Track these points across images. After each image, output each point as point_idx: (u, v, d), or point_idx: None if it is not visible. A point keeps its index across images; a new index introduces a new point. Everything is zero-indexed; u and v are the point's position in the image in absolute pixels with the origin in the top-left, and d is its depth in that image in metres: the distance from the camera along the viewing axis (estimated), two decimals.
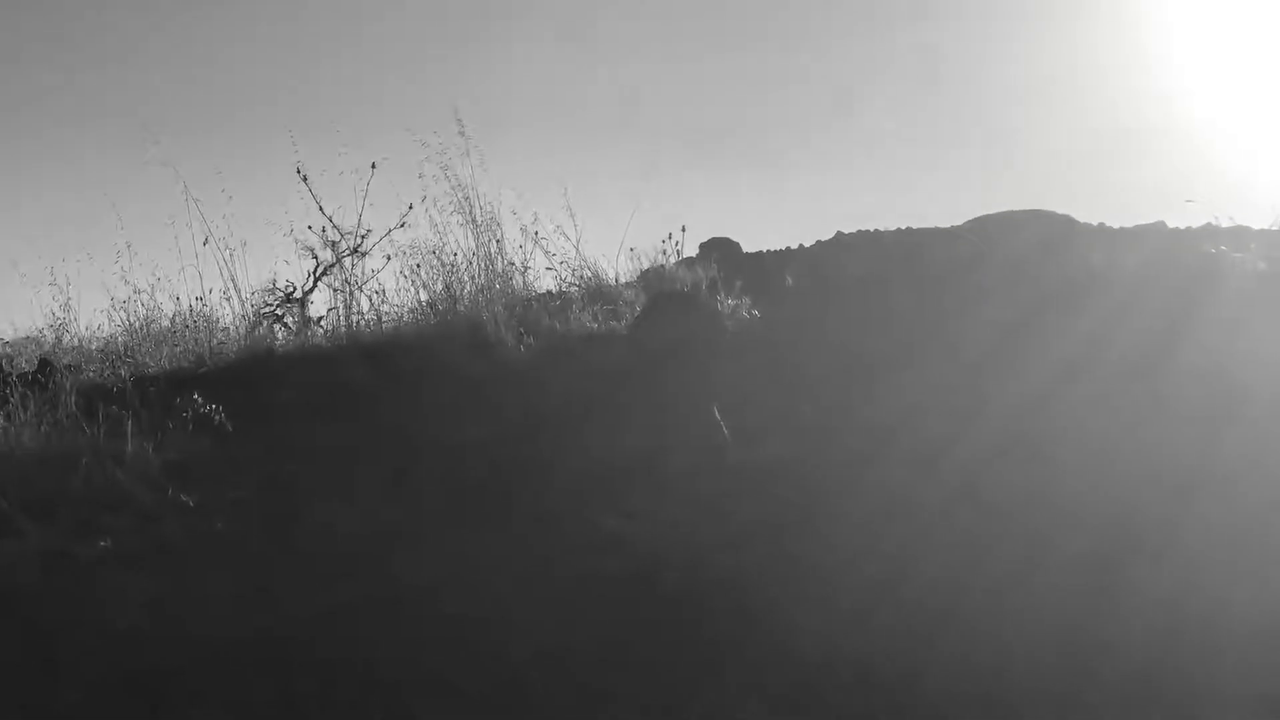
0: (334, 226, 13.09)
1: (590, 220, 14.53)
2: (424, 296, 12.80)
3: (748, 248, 15.51)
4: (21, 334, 13.84)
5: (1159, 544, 7.36)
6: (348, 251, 13.09)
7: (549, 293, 13.13)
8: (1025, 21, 37.49)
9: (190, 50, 38.27)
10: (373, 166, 13.05)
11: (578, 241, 13.31)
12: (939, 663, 6.52)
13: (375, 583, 7.78)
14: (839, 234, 13.66)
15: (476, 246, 12.79)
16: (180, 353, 12.10)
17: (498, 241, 12.88)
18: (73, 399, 10.00)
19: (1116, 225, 12.96)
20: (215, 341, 12.35)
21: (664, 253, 13.69)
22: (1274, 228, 10.44)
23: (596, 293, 12.75)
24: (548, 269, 13.35)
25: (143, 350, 12.18)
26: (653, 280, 13.04)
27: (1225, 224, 11.59)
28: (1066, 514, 7.76)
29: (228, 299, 13.02)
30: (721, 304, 11.49)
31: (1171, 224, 12.82)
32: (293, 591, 7.69)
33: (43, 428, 9.64)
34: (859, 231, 13.62)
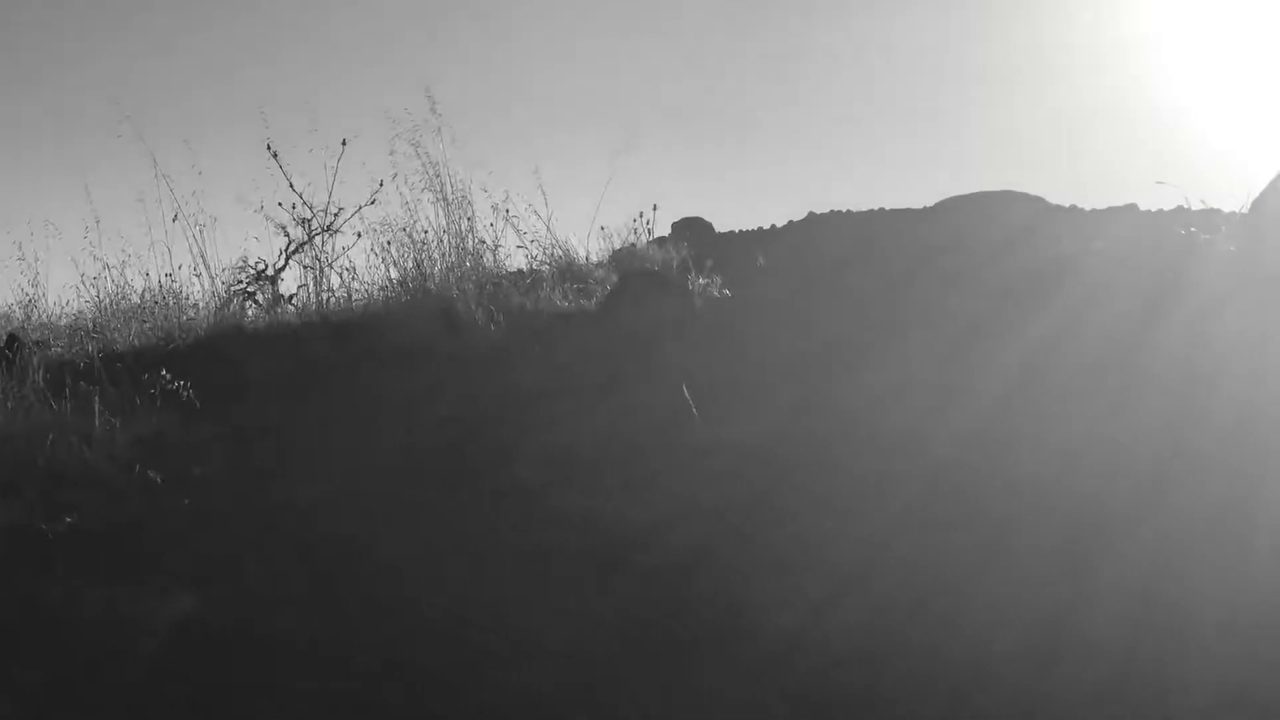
0: (305, 204, 13.12)
1: (562, 199, 14.57)
2: (394, 274, 12.86)
3: (720, 227, 15.58)
4: None
5: (1131, 533, 7.40)
6: (319, 229, 13.10)
7: (520, 271, 13.17)
8: (997, 5, 37.58)
9: (161, 25, 38.16)
10: (343, 143, 13.08)
11: (549, 220, 13.36)
12: (908, 651, 6.56)
13: (338, 560, 7.83)
14: (811, 214, 13.73)
15: (447, 224, 12.83)
16: (149, 329, 12.09)
17: (469, 219, 12.92)
18: (40, 375, 10.01)
19: (1088, 207, 13.04)
20: (184, 318, 12.35)
21: (635, 232, 13.77)
22: (1244, 210, 10.47)
23: (567, 271, 12.81)
24: (519, 247, 13.42)
25: (111, 327, 12.18)
26: (624, 259, 13.10)
27: (1197, 206, 11.63)
28: (1039, 503, 7.80)
29: (197, 276, 13.05)
30: (692, 284, 11.55)
31: (1143, 206, 12.90)
32: (258, 571, 7.72)
33: (9, 404, 9.64)
34: (832, 212, 13.70)
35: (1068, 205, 12.73)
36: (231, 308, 12.77)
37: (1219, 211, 11.56)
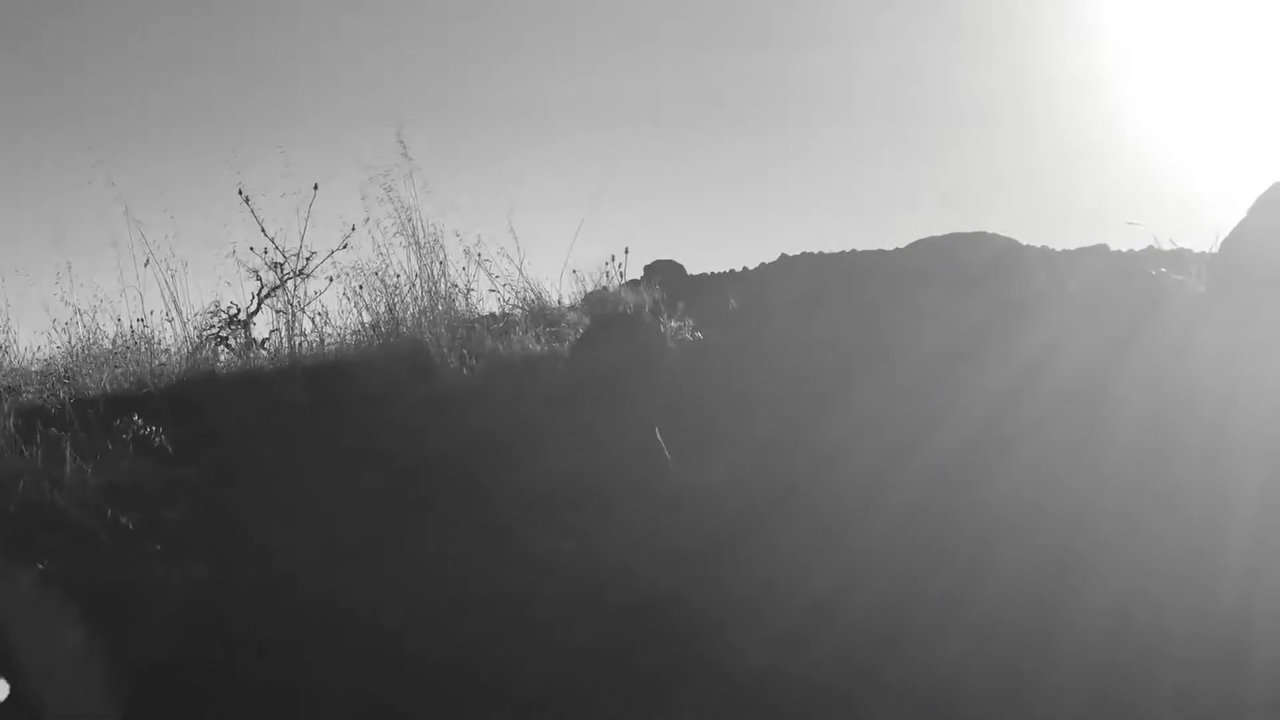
0: (277, 248, 13.15)
1: (534, 241, 14.64)
2: (367, 318, 12.89)
3: (692, 270, 15.66)
4: None
5: (1105, 558, 7.50)
6: (291, 273, 13.16)
7: (492, 315, 13.22)
8: (966, 43, 37.76)
9: (133, 69, 38.21)
10: (315, 188, 13.11)
11: (521, 263, 13.43)
12: (883, 683, 6.65)
13: (313, 606, 7.89)
14: (782, 256, 13.85)
15: (419, 268, 12.89)
16: (121, 374, 12.11)
17: (441, 263, 12.98)
18: (11, 421, 10.06)
19: (1059, 248, 13.18)
20: (156, 363, 12.37)
21: (607, 275, 13.82)
22: (1214, 250, 10.58)
23: (539, 315, 12.88)
24: (491, 291, 13.45)
25: (83, 372, 12.19)
26: (596, 302, 13.17)
27: (1167, 247, 11.73)
28: (1012, 534, 7.90)
29: (169, 320, 13.04)
30: (664, 326, 11.62)
31: (1114, 247, 13.04)
32: (231, 614, 7.78)
33: None
34: (802, 254, 13.81)
35: (1039, 245, 12.87)
36: (204, 352, 12.80)
37: (1189, 252, 11.67)
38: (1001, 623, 7.19)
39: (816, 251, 13.73)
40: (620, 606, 7.73)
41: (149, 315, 12.98)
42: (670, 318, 11.81)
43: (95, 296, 13.07)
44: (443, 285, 12.91)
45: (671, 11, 40.52)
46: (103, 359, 12.49)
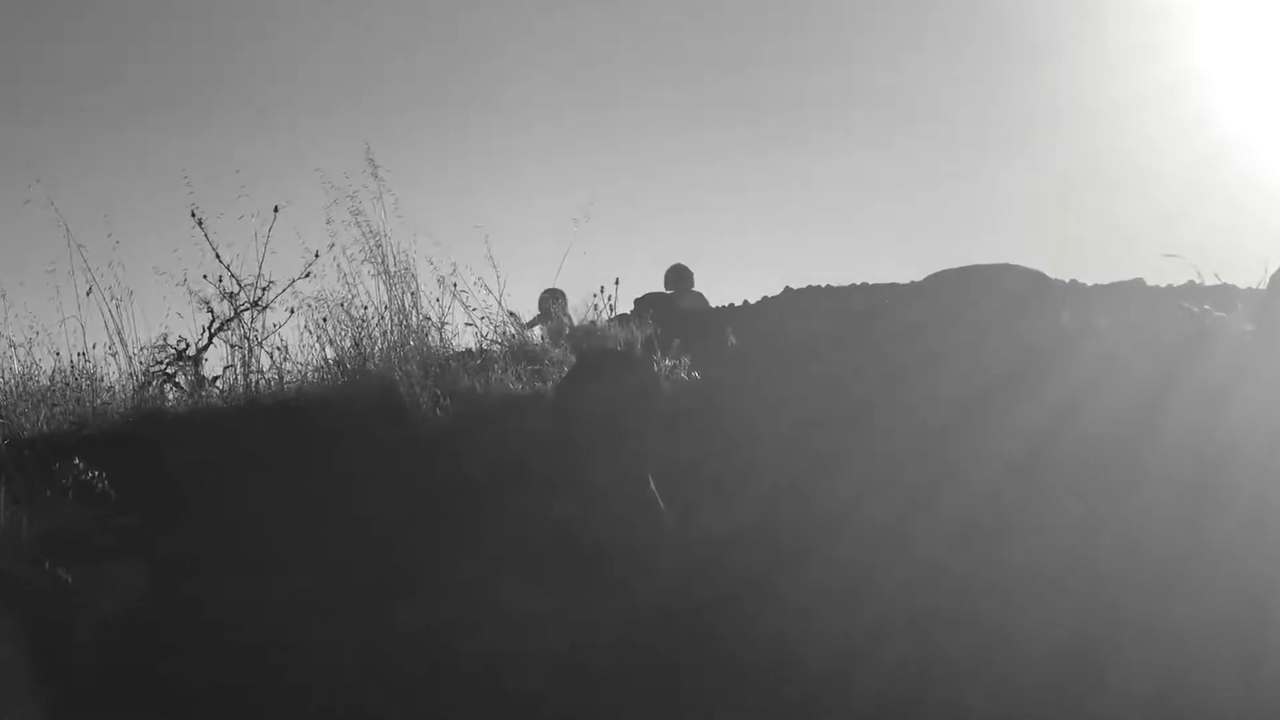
0: (232, 276, 13.11)
1: (515, 271, 14.62)
2: (330, 354, 12.83)
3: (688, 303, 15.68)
4: None
5: (1139, 635, 7.48)
6: (247, 304, 13.12)
7: (468, 351, 13.14)
8: (988, 62, 37.95)
9: (76, 79, 38.26)
10: (275, 210, 13.05)
11: (500, 295, 13.41)
12: None
13: (269, 670, 7.88)
14: (786, 289, 13.86)
15: (389, 299, 12.84)
16: (60, 413, 12.08)
17: (412, 294, 12.94)
18: None
19: (1090, 283, 13.19)
20: (99, 402, 12.33)
21: (595, 308, 13.79)
22: (1263, 286, 10.56)
23: (521, 351, 12.83)
24: (467, 324, 13.37)
25: (18, 410, 12.16)
26: (582, 338, 13.15)
27: (1210, 282, 11.72)
28: (1037, 601, 7.88)
29: (113, 355, 12.98)
30: (658, 365, 11.60)
31: (1151, 281, 13.05)
32: (184, 673, 7.77)
33: None
34: (808, 287, 13.81)
35: (1068, 280, 12.89)
36: (150, 390, 12.77)
37: (1234, 288, 11.68)
38: (1026, 695, 7.18)
39: (824, 284, 13.75)
40: (603, 673, 7.71)
41: (91, 349, 12.93)
42: (664, 355, 11.78)
43: (31, 328, 13.02)
44: (414, 318, 12.88)
45: (666, 26, 40.66)
46: (40, 396, 12.44)
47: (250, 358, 12.99)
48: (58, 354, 12.92)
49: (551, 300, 15.14)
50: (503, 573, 8.97)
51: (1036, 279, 11.59)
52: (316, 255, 13.10)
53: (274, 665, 8.02)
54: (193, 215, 13.04)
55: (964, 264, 11.88)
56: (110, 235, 13.06)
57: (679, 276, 16.93)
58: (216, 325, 13.15)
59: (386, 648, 8.15)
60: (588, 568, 8.98)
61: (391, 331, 12.71)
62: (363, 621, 8.50)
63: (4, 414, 12.09)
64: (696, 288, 16.78)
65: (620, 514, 9.49)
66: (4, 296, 12.96)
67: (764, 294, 14.35)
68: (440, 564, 9.21)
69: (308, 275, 13.14)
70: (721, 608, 8.36)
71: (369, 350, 12.54)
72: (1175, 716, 6.86)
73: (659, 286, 16.64)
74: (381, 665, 7.96)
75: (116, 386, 12.78)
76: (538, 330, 14.43)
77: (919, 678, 7.44)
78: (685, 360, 11.75)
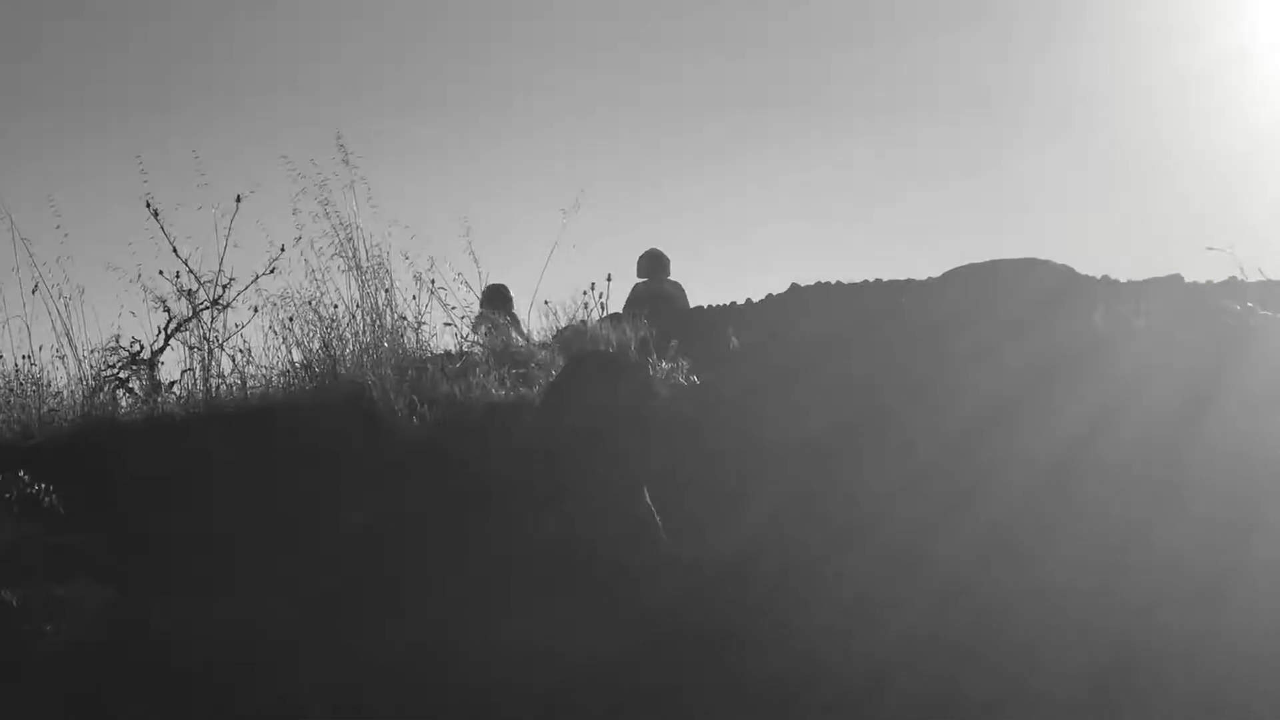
0: (190, 272, 12.92)
1: (498, 266, 14.48)
2: (297, 356, 12.71)
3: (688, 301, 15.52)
4: None
5: (1177, 657, 7.36)
6: (206, 303, 12.92)
7: (448, 353, 12.99)
8: (1010, 40, 37.86)
9: (19, 55, 38.10)
10: (238, 200, 12.88)
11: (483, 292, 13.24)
12: None
13: (231, 700, 7.72)
14: (793, 286, 13.65)
15: (361, 297, 12.71)
16: (4, 422, 11.91)
17: (386, 291, 12.81)
18: None
19: (1124, 279, 12.99)
20: (46, 409, 12.17)
21: (585, 307, 13.64)
22: None
23: (504, 354, 12.66)
24: (446, 324, 13.30)
25: None
26: (571, 339, 12.97)
27: (1254, 278, 11.64)
28: (1070, 621, 7.76)
29: (61, 358, 12.83)
30: (653, 368, 11.42)
31: (1189, 277, 12.87)
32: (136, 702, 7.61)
33: None
34: (817, 284, 13.62)
35: (1099, 276, 12.68)
36: (102, 396, 12.57)
37: (1279, 284, 11.56)
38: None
39: (833, 281, 13.55)
40: (599, 706, 7.55)
41: (37, 351, 12.80)
42: (660, 358, 11.61)
43: None
44: (389, 317, 12.76)
45: (661, 6, 40.61)
46: None
47: (210, 361, 12.83)
48: (1, 357, 12.76)
49: (497, 301, 14.92)
50: (487, 595, 8.78)
51: (1065, 275, 11.45)
52: (283, 249, 13.02)
53: (236, 693, 7.83)
54: (148, 206, 12.85)
55: (987, 259, 11.72)
56: (59, 228, 12.88)
57: (654, 263, 16.69)
58: (173, 325, 12.98)
59: (353, 677, 7.96)
60: (583, 588, 8.79)
61: (364, 332, 12.60)
62: (330, 645, 8.30)
63: None
64: (695, 282, 16.59)
65: (613, 532, 9.30)
66: None
67: (769, 291, 14.15)
68: (418, 586, 9.04)
69: (273, 271, 13.06)
70: (725, 633, 8.18)
71: (339, 353, 12.42)
72: None
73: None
74: (348, 696, 7.77)
75: (65, 392, 12.66)
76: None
77: (946, 701, 7.27)
78: (684, 363, 11.55)
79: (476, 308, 13.33)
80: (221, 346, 12.93)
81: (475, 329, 13.88)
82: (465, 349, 13.02)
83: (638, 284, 16.47)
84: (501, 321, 13.88)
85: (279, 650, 8.31)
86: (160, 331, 13.00)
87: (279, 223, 13.18)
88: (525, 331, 13.88)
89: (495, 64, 41.31)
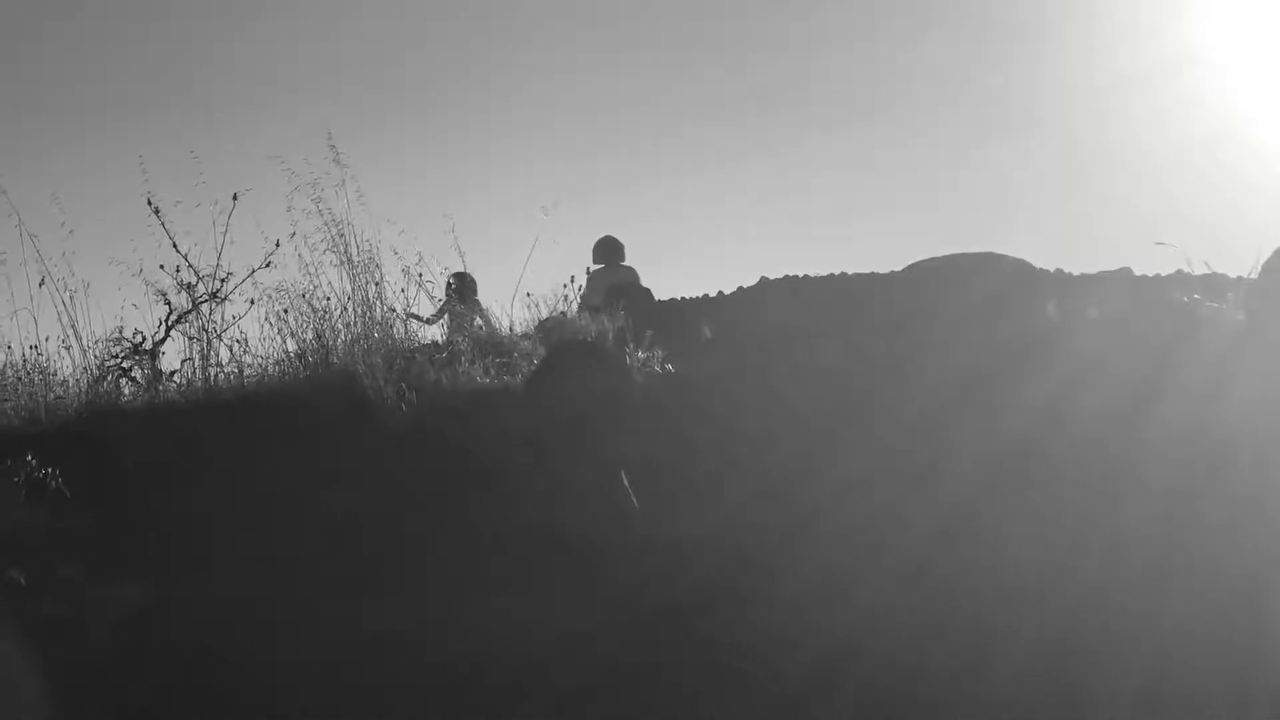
0: (190, 266, 13.02)
1: (482, 260, 14.60)
2: (292, 346, 12.78)
3: (661, 294, 15.63)
4: None
5: (1130, 632, 7.47)
6: (205, 296, 13.03)
7: (435, 343, 13.11)
8: (969, 43, 37.95)
9: (26, 60, 38.08)
10: (234, 198, 12.96)
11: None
12: None
13: (231, 674, 7.83)
14: (763, 279, 13.79)
15: (352, 290, 12.78)
16: (12, 409, 11.99)
17: (377, 284, 12.90)
18: None
19: (1077, 272, 13.15)
20: (52, 397, 12.24)
21: (565, 299, 13.77)
22: (1254, 275, 10.57)
23: (489, 344, 12.77)
24: (408, 316, 13.36)
25: None
26: (552, 330, 13.08)
27: (1200, 271, 11.74)
28: (1026, 598, 7.86)
29: (67, 348, 12.87)
30: (630, 357, 11.55)
31: (1139, 270, 13.02)
32: (134, 682, 7.72)
33: None
34: (785, 277, 13.73)
35: (1053, 269, 12.85)
36: (105, 385, 12.67)
37: (1224, 277, 11.68)
38: (1016, 704, 7.17)
39: (801, 275, 13.67)
40: (575, 686, 7.68)
41: (44, 342, 12.85)
42: (637, 348, 11.74)
43: None
44: (379, 309, 12.86)
45: (640, 10, 40.60)
46: None
47: (209, 351, 12.91)
48: (9, 347, 12.84)
49: (464, 290, 14.96)
50: (468, 575, 8.91)
51: (1022, 269, 11.57)
52: (277, 244, 13.08)
53: (236, 668, 7.96)
54: (149, 204, 12.95)
55: (947, 253, 11.86)
56: (64, 224, 12.96)
57: (609, 250, 16.80)
58: (174, 317, 13.06)
59: (352, 651, 8.09)
60: (562, 568, 8.93)
61: (355, 323, 12.67)
62: (328, 622, 8.43)
63: None
64: (669, 276, 16.67)
65: (593, 513, 9.44)
66: None
67: (740, 284, 14.27)
68: (408, 564, 9.16)
69: (268, 265, 13.12)
70: (702, 608, 8.31)
71: (332, 343, 12.50)
72: (1166, 715, 6.84)
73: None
74: (348, 669, 7.90)
75: (70, 381, 12.70)
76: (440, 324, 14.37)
77: (907, 677, 7.41)
78: (659, 353, 11.70)
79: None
80: (220, 337, 13.00)
81: (438, 317, 14.04)
82: (451, 339, 13.15)
83: (595, 269, 16.58)
84: (459, 309, 14.02)
85: (277, 623, 8.42)
86: (161, 323, 13.10)
87: (274, 219, 13.23)
88: (491, 320, 14.01)
89: (479, 67, 41.28)
